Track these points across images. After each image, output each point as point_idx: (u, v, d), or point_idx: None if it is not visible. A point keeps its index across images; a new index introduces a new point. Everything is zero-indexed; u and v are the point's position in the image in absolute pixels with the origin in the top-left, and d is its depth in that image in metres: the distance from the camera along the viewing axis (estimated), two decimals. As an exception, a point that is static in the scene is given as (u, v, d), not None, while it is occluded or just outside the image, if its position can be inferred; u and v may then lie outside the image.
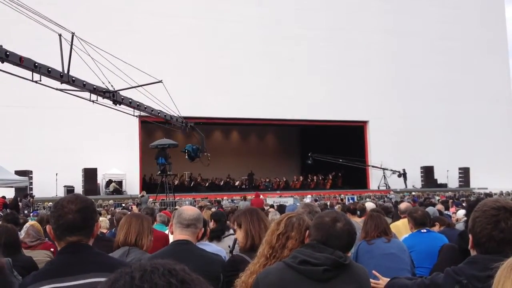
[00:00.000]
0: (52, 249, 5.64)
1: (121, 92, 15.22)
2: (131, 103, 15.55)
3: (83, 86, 13.41)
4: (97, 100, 14.30)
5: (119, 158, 27.63)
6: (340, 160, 32.27)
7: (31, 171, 24.40)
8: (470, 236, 2.37)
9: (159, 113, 17.15)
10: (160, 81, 15.18)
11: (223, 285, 3.16)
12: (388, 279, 2.96)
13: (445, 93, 34.96)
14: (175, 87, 29.41)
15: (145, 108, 16.42)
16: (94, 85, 13.77)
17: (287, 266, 2.48)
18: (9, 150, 24.27)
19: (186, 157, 19.01)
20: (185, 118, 31.47)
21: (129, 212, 9.21)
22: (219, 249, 4.16)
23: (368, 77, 33.54)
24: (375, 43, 33.97)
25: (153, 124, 33.48)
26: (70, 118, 26.82)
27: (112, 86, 14.18)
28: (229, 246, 4.95)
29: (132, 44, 28.78)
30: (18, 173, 21.87)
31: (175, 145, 24.83)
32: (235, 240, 4.22)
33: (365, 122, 34.68)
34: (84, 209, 2.34)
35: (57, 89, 13.33)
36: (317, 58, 32.74)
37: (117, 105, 14.97)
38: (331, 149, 32.98)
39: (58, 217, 2.32)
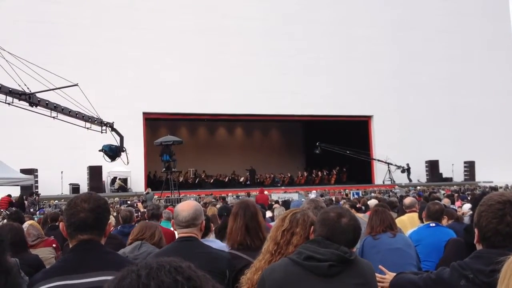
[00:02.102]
0: (54, 245, 5.66)
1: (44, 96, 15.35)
2: (48, 105, 15.65)
3: None
4: (12, 102, 14.41)
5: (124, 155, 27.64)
6: (347, 152, 32.21)
7: (37, 170, 24.44)
8: (475, 230, 2.37)
9: (77, 114, 17.11)
10: (76, 85, 15.23)
11: (229, 281, 3.17)
12: (394, 274, 2.97)
13: (449, 87, 34.85)
14: (180, 84, 29.70)
15: (63, 109, 16.45)
16: (10, 88, 13.88)
17: (293, 262, 2.48)
18: (14, 148, 24.32)
19: (103, 156, 18.76)
20: (187, 115, 31.75)
21: (134, 209, 9.26)
22: (225, 245, 4.17)
23: (371, 71, 33.43)
24: (378, 37, 33.86)
25: (157, 121, 33.72)
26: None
27: (28, 88, 14.29)
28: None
29: (131, 41, 28.83)
30: (23, 171, 21.92)
31: (180, 142, 24.88)
32: None
33: (369, 117, 34.60)
34: (96, 209, 2.37)
35: None
36: (320, 53, 32.66)
37: (34, 106, 15.06)
38: (335, 144, 32.91)
39: (71, 216, 2.36)
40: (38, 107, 15.11)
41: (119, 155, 18.27)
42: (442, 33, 35.26)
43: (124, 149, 18.37)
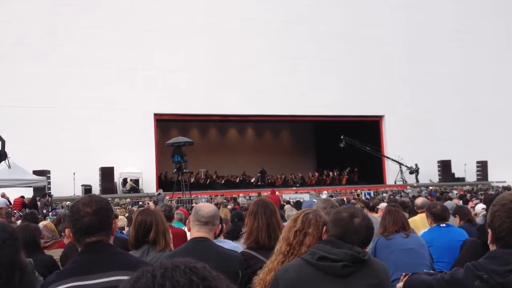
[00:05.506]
0: (67, 247, 5.68)
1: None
2: None
3: None
4: None
5: (135, 156, 27.77)
6: (368, 148, 32.15)
7: (49, 171, 24.59)
8: (489, 230, 2.34)
9: None
10: None
11: (242, 281, 3.17)
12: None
13: (461, 86, 34.60)
14: (190, 85, 29.77)
15: None
16: None
17: (306, 263, 2.47)
18: (27, 150, 24.48)
19: None
20: (198, 116, 31.82)
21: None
22: (236, 245, 4.17)
23: (382, 72, 33.30)
24: (389, 37, 33.72)
25: (168, 123, 33.82)
26: (86, 118, 27.06)
27: None
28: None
29: (141, 43, 28.93)
30: (36, 173, 22.09)
31: (191, 143, 24.96)
32: None
33: (380, 117, 34.47)
34: (100, 210, 2.36)
35: None
36: (331, 54, 32.57)
37: None
38: (350, 146, 32.80)
39: (75, 221, 2.35)
40: None
41: (3, 159, 17.98)
42: (453, 33, 35.05)
43: (6, 153, 18.07)
